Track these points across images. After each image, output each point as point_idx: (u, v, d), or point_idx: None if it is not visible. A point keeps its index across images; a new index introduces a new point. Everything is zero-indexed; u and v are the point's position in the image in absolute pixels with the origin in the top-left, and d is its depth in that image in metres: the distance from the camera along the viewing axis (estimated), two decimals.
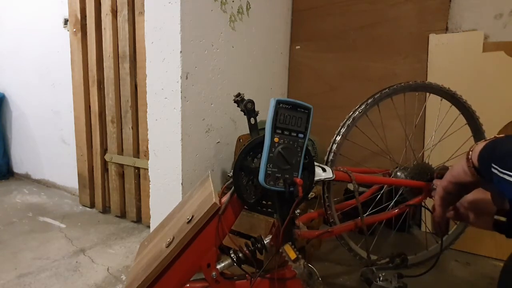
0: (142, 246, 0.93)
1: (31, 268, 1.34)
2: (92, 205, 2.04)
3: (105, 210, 1.98)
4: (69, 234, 1.66)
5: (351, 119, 1.03)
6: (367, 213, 1.12)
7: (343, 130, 1.02)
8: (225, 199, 0.73)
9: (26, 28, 2.38)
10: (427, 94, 1.24)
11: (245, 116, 0.69)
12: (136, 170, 1.79)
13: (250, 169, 0.68)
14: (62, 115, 2.26)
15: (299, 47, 2.00)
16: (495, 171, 0.45)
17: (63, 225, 1.77)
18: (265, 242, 0.75)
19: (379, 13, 1.73)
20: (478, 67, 1.49)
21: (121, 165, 1.85)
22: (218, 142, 1.50)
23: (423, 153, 1.45)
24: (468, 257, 1.46)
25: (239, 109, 0.70)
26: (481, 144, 0.51)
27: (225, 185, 0.76)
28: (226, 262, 0.73)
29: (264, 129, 0.65)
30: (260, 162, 0.65)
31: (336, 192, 1.48)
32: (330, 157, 1.01)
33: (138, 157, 1.77)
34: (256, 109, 0.70)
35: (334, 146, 1.01)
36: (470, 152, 0.53)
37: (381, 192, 1.20)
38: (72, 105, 2.02)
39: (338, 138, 1.02)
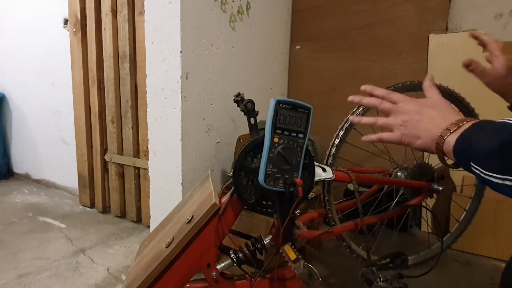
0: (142, 246, 0.93)
1: (31, 268, 1.34)
2: (92, 205, 2.04)
3: (105, 210, 1.98)
4: (69, 234, 1.66)
5: (348, 122, 1.03)
6: (368, 214, 1.12)
7: (341, 133, 1.02)
8: (225, 199, 0.73)
9: (26, 28, 2.37)
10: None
11: (245, 116, 0.69)
12: (136, 170, 1.79)
13: (250, 169, 0.68)
14: (62, 115, 2.26)
15: (299, 47, 2.00)
16: (477, 171, 0.44)
17: (63, 225, 1.77)
18: (265, 242, 0.75)
19: (379, 13, 1.73)
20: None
21: (121, 165, 1.85)
22: (218, 142, 1.50)
23: (423, 153, 1.45)
24: (468, 257, 1.46)
25: (239, 109, 0.70)
26: (452, 137, 0.47)
27: (225, 185, 0.76)
28: (226, 262, 0.73)
29: (264, 129, 0.65)
30: (260, 162, 0.65)
31: (337, 193, 1.47)
32: (329, 161, 1.01)
33: (138, 157, 1.77)
34: (256, 109, 0.70)
35: (333, 149, 1.01)
36: (441, 144, 0.49)
37: (382, 192, 1.20)
38: (72, 105, 2.02)
39: (337, 141, 1.02)
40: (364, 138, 0.63)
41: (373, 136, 0.60)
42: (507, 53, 0.82)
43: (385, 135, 0.59)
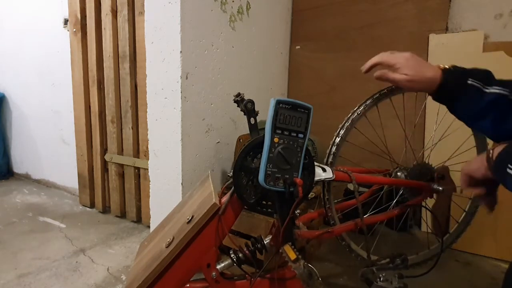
0: (142, 246, 0.93)
1: (31, 268, 1.34)
2: (92, 205, 2.04)
3: (105, 210, 1.98)
4: (69, 234, 1.66)
5: (349, 121, 1.03)
6: (368, 214, 1.12)
7: (342, 132, 1.02)
8: (225, 199, 0.73)
9: (26, 28, 2.37)
10: (427, 93, 1.24)
11: (245, 116, 0.69)
12: (136, 170, 1.79)
13: (250, 169, 0.68)
14: (62, 115, 2.26)
15: (299, 47, 2.00)
16: (510, 171, 0.46)
17: (63, 225, 1.77)
18: (265, 242, 0.75)
19: (379, 13, 1.73)
20: (478, 67, 1.48)
21: (121, 165, 1.85)
22: (218, 142, 1.50)
23: (423, 153, 1.45)
24: (468, 257, 1.46)
25: (239, 109, 0.70)
26: (501, 146, 0.52)
27: (225, 185, 0.76)
28: (226, 262, 0.73)
29: (264, 129, 0.65)
30: (260, 162, 0.65)
31: (337, 192, 1.47)
32: (330, 160, 1.01)
33: (138, 157, 1.77)
34: (256, 109, 0.70)
35: (334, 148, 1.01)
36: (491, 153, 0.53)
37: (382, 192, 1.20)
38: (72, 105, 2.02)
39: (337, 140, 1.02)
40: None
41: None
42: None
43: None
